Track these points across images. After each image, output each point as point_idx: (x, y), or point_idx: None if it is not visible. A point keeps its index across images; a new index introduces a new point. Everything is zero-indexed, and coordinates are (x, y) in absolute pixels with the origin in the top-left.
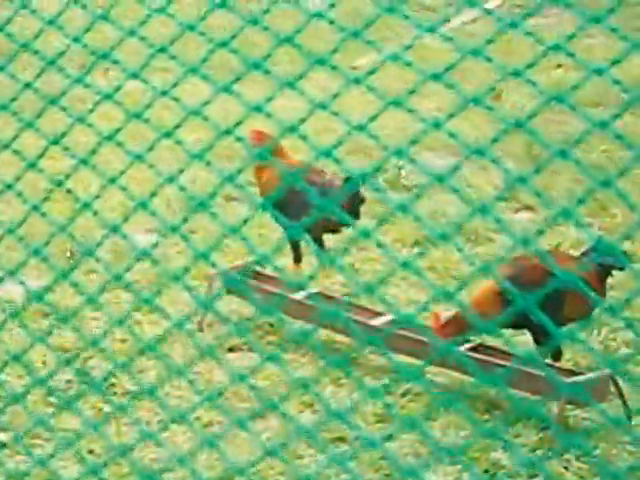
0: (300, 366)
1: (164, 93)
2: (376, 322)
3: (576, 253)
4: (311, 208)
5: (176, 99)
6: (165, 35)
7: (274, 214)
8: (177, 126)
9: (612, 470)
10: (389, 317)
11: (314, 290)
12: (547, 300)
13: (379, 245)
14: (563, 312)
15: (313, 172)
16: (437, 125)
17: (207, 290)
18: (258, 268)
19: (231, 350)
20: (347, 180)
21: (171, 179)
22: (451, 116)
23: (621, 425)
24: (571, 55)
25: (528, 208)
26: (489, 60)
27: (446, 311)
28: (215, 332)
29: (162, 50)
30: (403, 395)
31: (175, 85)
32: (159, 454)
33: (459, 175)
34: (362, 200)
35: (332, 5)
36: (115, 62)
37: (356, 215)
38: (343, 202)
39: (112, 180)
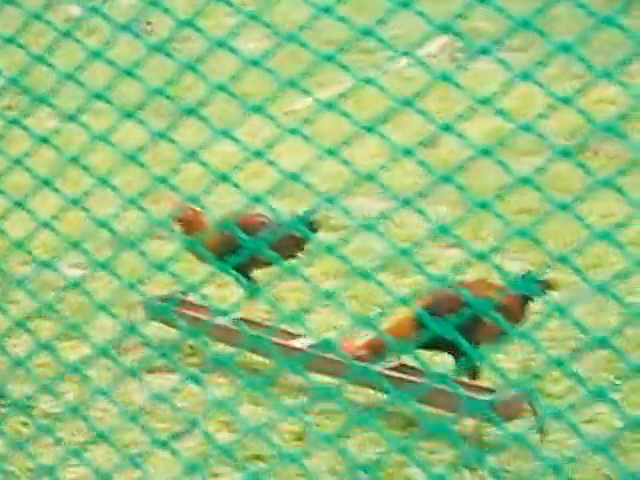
0: (218, 387)
1: (101, 137)
2: (296, 344)
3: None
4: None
5: (111, 143)
6: (102, 79)
7: (201, 252)
8: (110, 171)
9: None
10: (309, 340)
11: (237, 315)
12: (462, 325)
13: (305, 279)
14: (478, 335)
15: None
16: (370, 177)
17: (128, 316)
18: (182, 296)
19: (151, 372)
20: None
21: (103, 223)
22: (382, 167)
23: (534, 442)
24: (500, 112)
25: (457, 246)
26: (422, 113)
27: (362, 337)
28: (135, 356)
29: (98, 96)
30: (320, 413)
31: (111, 129)
32: (78, 474)
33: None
34: (297, 240)
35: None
36: (50, 105)
37: (290, 253)
38: (275, 242)
39: (45, 224)
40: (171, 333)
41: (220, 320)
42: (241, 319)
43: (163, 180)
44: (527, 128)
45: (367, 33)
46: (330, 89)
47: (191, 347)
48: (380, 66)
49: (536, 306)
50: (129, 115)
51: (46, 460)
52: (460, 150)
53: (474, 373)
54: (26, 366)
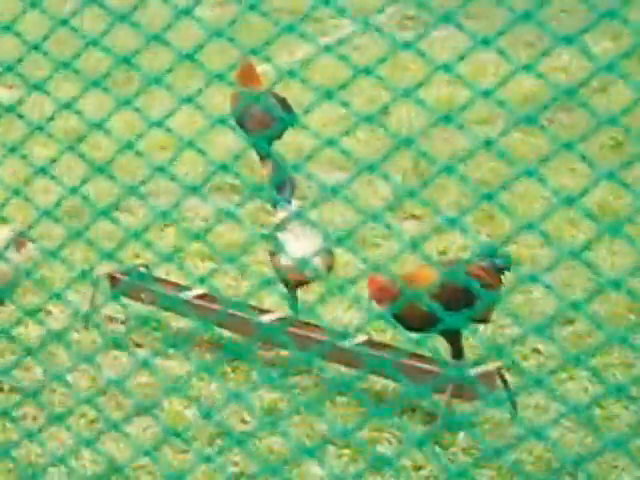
0: (186, 361)
1: (67, 106)
2: (265, 319)
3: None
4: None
5: (79, 112)
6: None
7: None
8: (80, 139)
9: (497, 463)
10: (277, 314)
11: (201, 291)
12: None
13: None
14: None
15: None
16: (331, 142)
17: (93, 292)
18: (145, 269)
19: (118, 347)
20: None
21: (74, 190)
22: (346, 134)
23: (506, 418)
24: (459, 77)
25: (415, 217)
26: (380, 79)
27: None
28: (101, 331)
29: (65, 65)
30: (291, 388)
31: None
32: (43, 450)
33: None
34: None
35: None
36: (19, 75)
37: None
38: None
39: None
40: (137, 309)
41: (184, 294)
42: (205, 294)
43: (130, 146)
44: (486, 94)
45: (326, 3)
46: (284, 58)
47: (157, 321)
48: (329, 34)
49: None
50: (96, 84)
51: (12, 436)
52: (412, 119)
53: (460, 353)
54: None
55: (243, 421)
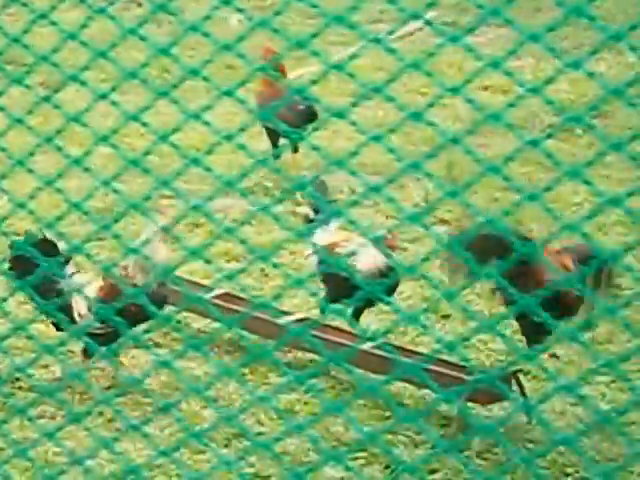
0: (205, 362)
1: (46, 99)
2: (282, 321)
3: None
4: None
5: (57, 106)
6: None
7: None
8: (59, 131)
9: (510, 467)
10: (297, 316)
11: (222, 290)
12: None
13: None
14: None
15: None
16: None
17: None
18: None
19: (137, 347)
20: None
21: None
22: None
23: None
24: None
25: (444, 222)
26: (429, 75)
27: None
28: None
29: (44, 58)
30: (307, 392)
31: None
32: (60, 449)
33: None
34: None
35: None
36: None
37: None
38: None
39: None
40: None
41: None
42: (226, 293)
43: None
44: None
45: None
46: (314, 64)
47: (178, 322)
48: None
49: None
50: (73, 78)
51: (30, 434)
52: (446, 125)
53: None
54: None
55: (260, 422)
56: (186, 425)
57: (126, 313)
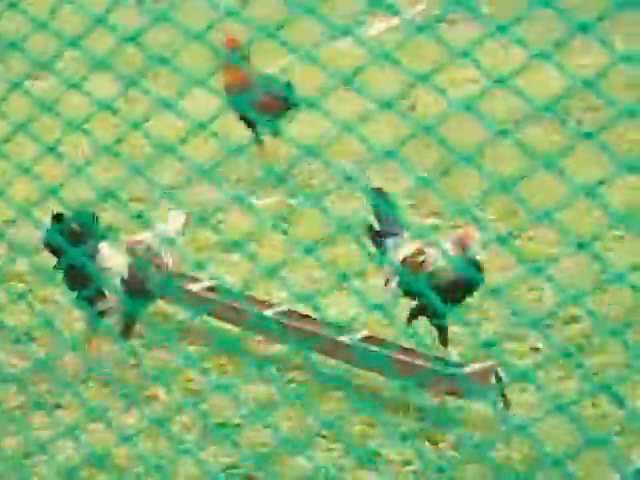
0: (180, 352)
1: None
2: (268, 312)
3: None
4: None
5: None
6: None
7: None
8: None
9: (487, 459)
10: (282, 308)
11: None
12: None
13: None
14: None
15: None
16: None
17: None
18: None
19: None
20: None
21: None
22: (364, 119)
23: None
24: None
25: (435, 214)
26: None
27: None
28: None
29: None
30: (288, 382)
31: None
32: (20, 439)
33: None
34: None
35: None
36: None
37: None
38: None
39: None
40: None
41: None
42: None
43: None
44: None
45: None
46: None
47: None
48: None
49: None
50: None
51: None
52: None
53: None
54: None
55: (236, 414)
56: (159, 415)
57: None
